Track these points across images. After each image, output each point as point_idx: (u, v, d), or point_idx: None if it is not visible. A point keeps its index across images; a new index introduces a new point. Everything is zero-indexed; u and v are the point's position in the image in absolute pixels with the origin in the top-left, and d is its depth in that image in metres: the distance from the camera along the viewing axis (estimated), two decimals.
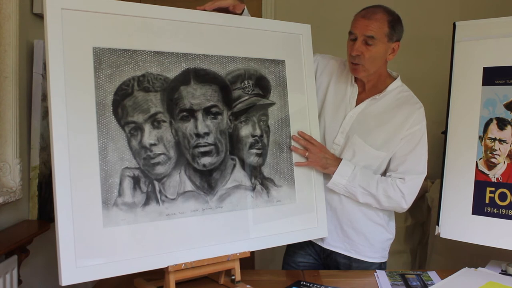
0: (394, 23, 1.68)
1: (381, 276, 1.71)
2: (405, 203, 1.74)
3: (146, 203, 1.41)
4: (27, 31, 1.95)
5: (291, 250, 1.93)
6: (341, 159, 1.74)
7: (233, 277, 1.56)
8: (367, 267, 1.82)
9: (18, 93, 1.84)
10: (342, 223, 1.80)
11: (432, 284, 1.65)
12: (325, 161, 1.72)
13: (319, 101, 1.84)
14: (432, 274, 1.74)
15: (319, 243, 1.85)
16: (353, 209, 1.79)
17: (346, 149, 1.76)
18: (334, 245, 1.82)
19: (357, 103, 1.79)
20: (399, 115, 1.74)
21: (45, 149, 2.04)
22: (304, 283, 1.63)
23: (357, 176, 1.71)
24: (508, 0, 2.86)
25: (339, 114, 1.80)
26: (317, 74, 1.86)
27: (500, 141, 1.80)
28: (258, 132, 1.64)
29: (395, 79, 1.80)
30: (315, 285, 1.61)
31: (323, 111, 1.83)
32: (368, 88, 1.79)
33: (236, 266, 1.56)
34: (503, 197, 1.79)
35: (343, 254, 1.82)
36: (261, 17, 3.08)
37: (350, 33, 1.70)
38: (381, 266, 1.85)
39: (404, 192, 1.72)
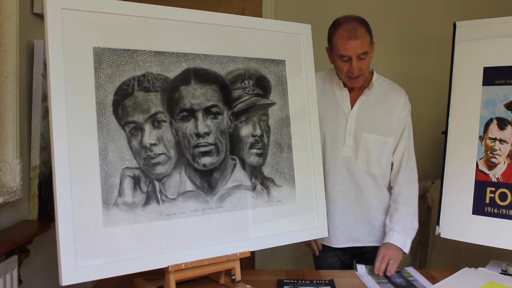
0: (369, 28, 1.78)
1: (364, 276, 1.72)
2: (413, 181, 1.90)
3: (146, 203, 1.41)
4: (27, 31, 1.94)
5: (321, 254, 1.98)
6: (389, 243, 1.80)
7: (233, 277, 1.56)
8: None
9: (18, 93, 1.84)
10: (370, 218, 1.90)
11: (413, 279, 1.69)
12: (396, 253, 1.77)
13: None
14: (411, 270, 1.79)
15: (349, 245, 1.92)
16: (374, 203, 1.90)
17: (360, 149, 1.84)
18: (366, 240, 1.91)
19: (351, 102, 1.88)
20: (391, 100, 1.88)
21: (45, 149, 2.04)
22: (286, 281, 1.65)
23: (406, 227, 1.83)
24: (508, 0, 2.86)
25: (340, 119, 1.87)
26: None
27: (501, 141, 1.80)
28: (258, 132, 1.64)
29: (372, 73, 1.91)
30: (299, 281, 1.64)
31: (324, 123, 1.85)
32: (358, 87, 1.88)
33: (236, 266, 1.56)
34: (503, 197, 1.79)
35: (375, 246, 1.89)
36: (261, 17, 3.08)
37: (342, 56, 1.75)
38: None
39: (406, 180, 1.88)
